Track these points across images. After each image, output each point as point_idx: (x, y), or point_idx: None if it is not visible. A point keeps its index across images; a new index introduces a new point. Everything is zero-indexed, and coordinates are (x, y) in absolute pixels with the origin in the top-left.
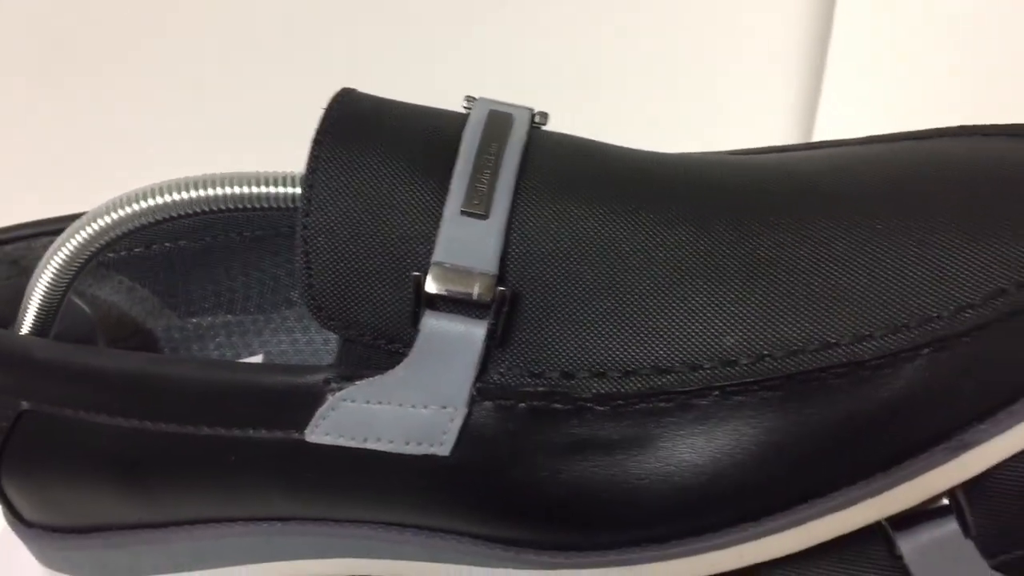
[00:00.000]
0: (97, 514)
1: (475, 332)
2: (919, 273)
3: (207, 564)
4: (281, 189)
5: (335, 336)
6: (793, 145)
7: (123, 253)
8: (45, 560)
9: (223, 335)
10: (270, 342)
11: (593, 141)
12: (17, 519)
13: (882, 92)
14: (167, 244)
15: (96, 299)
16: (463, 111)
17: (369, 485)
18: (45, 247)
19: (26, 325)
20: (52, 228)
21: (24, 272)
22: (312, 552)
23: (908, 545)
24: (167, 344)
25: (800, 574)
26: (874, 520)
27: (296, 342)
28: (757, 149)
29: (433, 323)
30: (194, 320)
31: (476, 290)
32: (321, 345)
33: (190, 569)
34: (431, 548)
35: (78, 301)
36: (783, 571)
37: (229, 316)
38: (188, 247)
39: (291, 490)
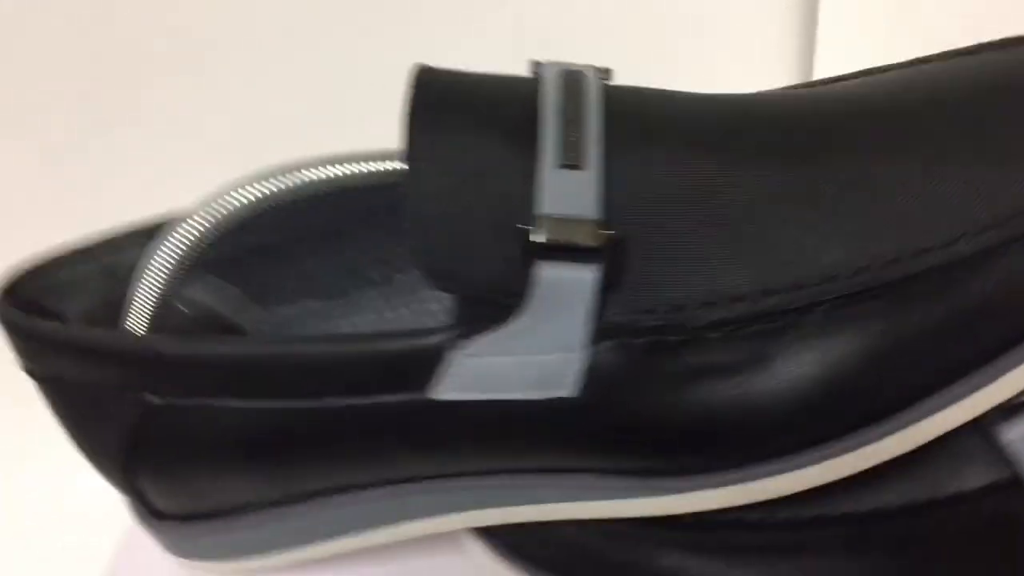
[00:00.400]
0: (230, 498)
1: (586, 277)
2: (1001, 173)
3: (341, 533)
4: (382, 165)
5: (424, 307)
6: (846, 75)
7: (209, 252)
8: (178, 551)
9: (311, 322)
10: (358, 323)
11: (659, 89)
12: (149, 513)
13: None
14: (250, 238)
15: (186, 299)
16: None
17: (497, 435)
18: (137, 253)
19: (133, 326)
20: (144, 233)
21: (118, 280)
22: (444, 508)
23: (1012, 434)
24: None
25: (906, 475)
26: (980, 412)
27: (383, 318)
28: (812, 82)
29: (545, 273)
30: (280, 310)
31: (583, 237)
32: (409, 318)
33: (324, 539)
34: (562, 488)
35: (177, 303)
36: (888, 474)
37: (314, 303)
38: (270, 240)
39: (420, 450)
